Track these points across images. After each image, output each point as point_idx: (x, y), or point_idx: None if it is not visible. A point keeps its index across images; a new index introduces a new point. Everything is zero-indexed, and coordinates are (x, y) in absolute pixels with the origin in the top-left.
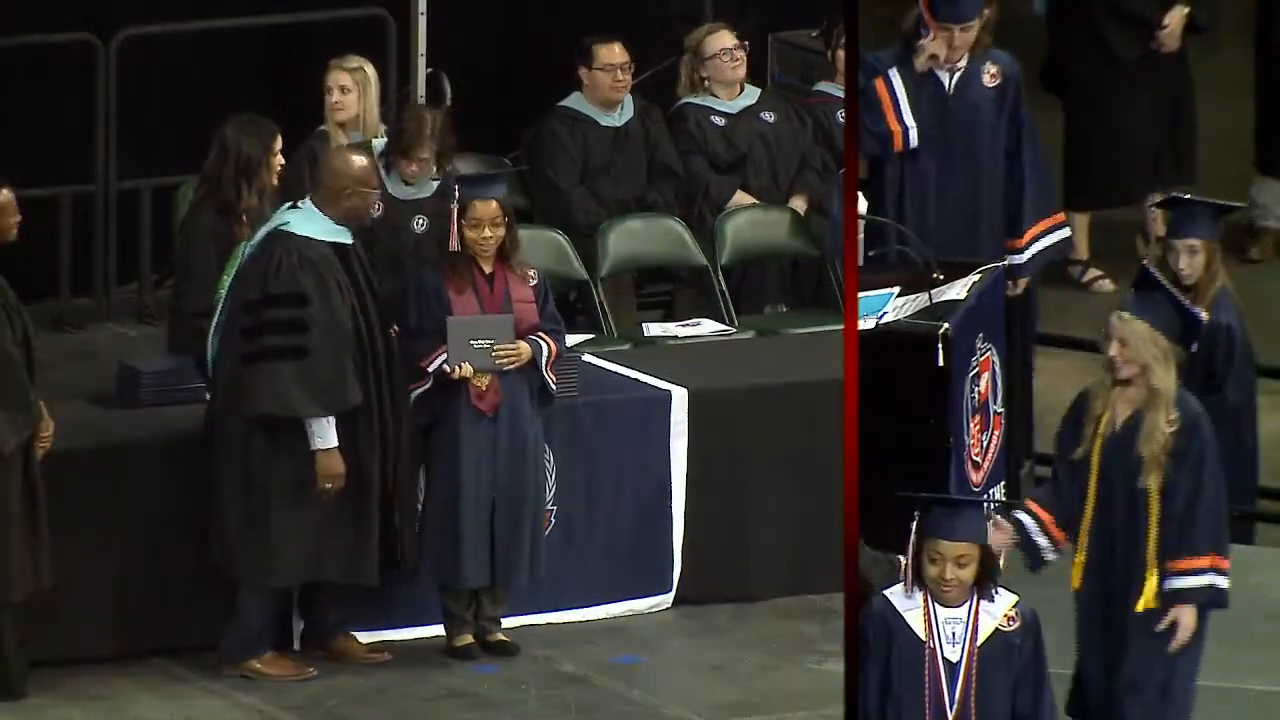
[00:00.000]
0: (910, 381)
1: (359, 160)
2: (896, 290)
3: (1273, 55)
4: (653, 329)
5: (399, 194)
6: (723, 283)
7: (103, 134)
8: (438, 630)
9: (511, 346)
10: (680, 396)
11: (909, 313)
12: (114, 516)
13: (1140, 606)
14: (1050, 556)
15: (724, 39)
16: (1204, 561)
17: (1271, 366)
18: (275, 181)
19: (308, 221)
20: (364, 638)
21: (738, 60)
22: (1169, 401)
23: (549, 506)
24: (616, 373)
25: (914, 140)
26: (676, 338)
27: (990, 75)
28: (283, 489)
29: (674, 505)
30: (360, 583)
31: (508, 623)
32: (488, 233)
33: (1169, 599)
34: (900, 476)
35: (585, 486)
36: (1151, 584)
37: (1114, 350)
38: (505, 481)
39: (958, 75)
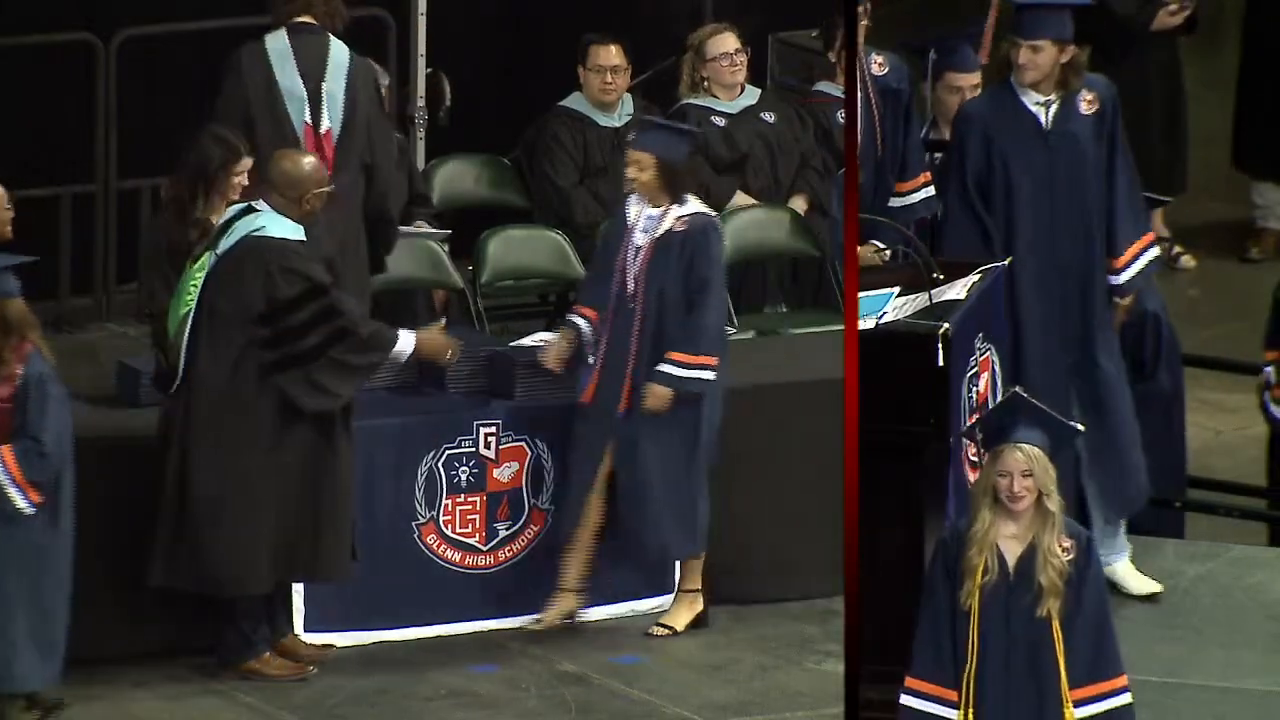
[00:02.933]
0: (910, 381)
1: (311, 160)
2: (896, 290)
3: (1259, 51)
4: None
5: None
6: None
7: (103, 134)
8: (438, 630)
9: None
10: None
11: (909, 313)
12: (114, 516)
13: None
14: None
15: (727, 42)
16: (1120, 681)
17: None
18: (234, 197)
19: (279, 225)
20: (361, 637)
21: (738, 65)
22: (1061, 523)
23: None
24: None
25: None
26: None
27: (1087, 103)
28: (271, 488)
29: None
30: (337, 579)
31: (508, 623)
32: None
33: None
34: (900, 476)
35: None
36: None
37: (1021, 484)
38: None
39: (1054, 109)
